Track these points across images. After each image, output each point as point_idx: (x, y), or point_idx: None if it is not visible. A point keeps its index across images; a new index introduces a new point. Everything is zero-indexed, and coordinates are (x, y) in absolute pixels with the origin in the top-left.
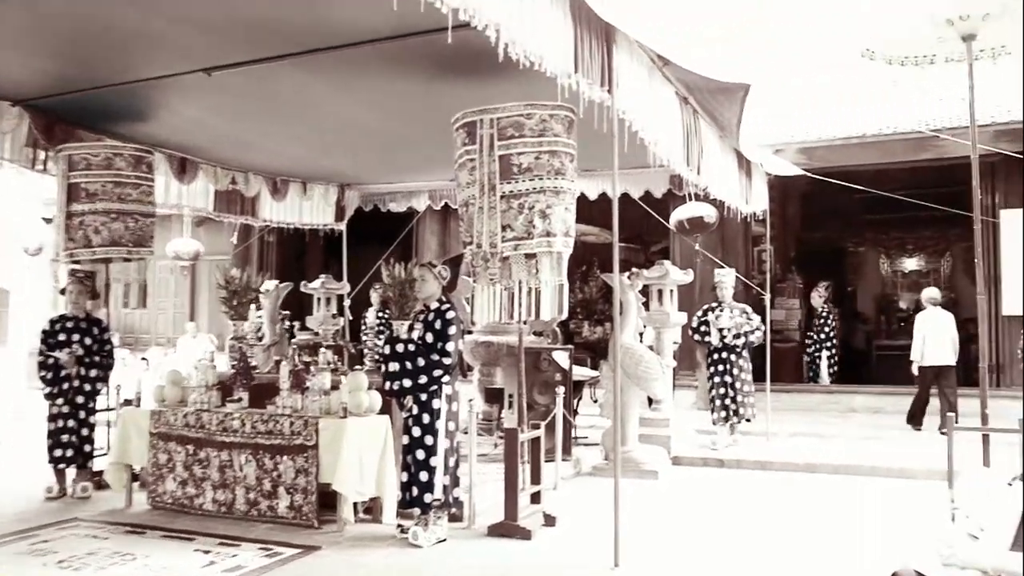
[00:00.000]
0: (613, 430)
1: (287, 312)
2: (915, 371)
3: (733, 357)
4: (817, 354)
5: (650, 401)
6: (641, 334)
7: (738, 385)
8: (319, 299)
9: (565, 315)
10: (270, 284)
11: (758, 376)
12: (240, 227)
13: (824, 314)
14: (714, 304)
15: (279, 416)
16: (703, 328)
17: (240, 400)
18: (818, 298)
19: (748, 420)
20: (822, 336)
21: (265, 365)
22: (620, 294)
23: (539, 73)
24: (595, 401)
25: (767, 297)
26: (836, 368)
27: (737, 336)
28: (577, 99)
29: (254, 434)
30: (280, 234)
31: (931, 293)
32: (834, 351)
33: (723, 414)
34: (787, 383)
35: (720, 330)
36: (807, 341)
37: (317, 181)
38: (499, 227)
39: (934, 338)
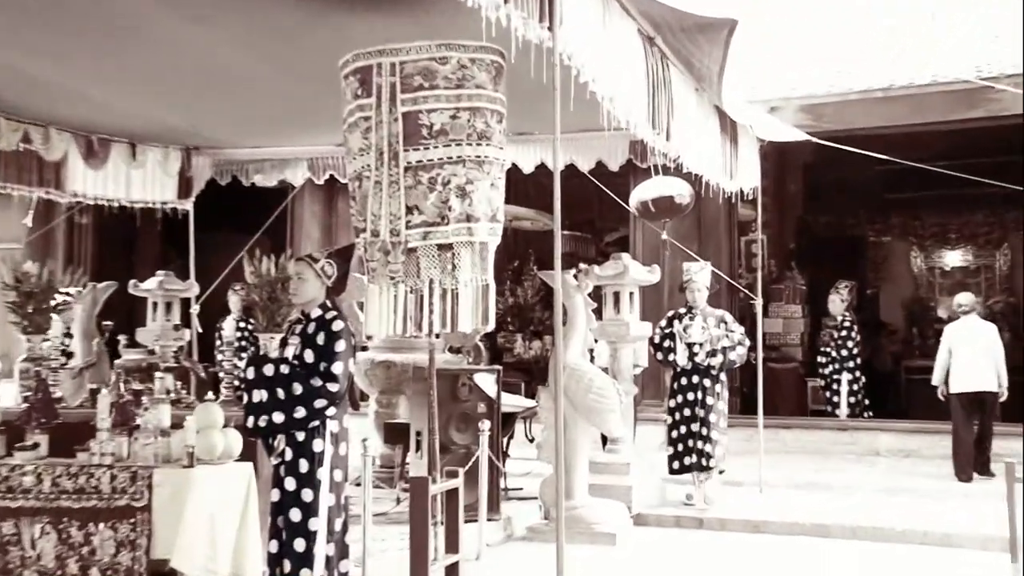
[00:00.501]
0: (556, 479)
1: (109, 323)
2: (943, 398)
3: (706, 382)
4: (835, 376)
5: (604, 440)
6: (592, 351)
7: (711, 419)
8: (155, 304)
9: (491, 326)
10: (83, 285)
11: (743, 408)
12: (38, 203)
13: (845, 324)
14: (683, 311)
15: (94, 468)
16: (667, 343)
17: (36, 447)
18: (839, 302)
19: (720, 471)
20: (843, 353)
21: (75, 397)
22: (564, 298)
23: (457, 2)
24: (531, 440)
25: (758, 302)
26: (861, 395)
27: (712, 354)
28: (507, 38)
29: (55, 494)
30: (98, 214)
31: (963, 299)
32: (857, 373)
33: (684, 461)
34: (786, 416)
35: (689, 346)
36: (820, 359)
37: (152, 142)
38: (403, 209)
39: (968, 357)
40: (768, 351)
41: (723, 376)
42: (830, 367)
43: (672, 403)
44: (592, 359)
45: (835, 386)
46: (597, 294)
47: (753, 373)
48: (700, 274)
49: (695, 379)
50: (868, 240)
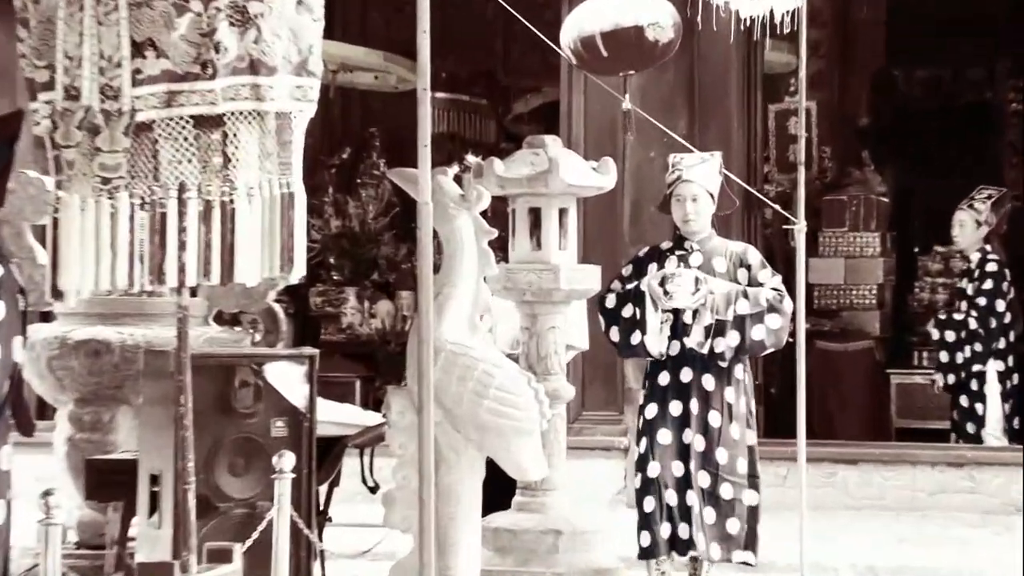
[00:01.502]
0: (419, 563)
1: None
2: None
3: (708, 382)
4: (965, 367)
5: (510, 487)
6: (489, 323)
7: (719, 458)
8: None
9: (299, 274)
10: None
11: (770, 425)
12: None
13: (988, 270)
14: (665, 245)
15: None
16: (627, 310)
17: None
18: (972, 225)
19: (747, 563)
20: (982, 324)
21: None
22: (438, 222)
23: None
24: (373, 489)
25: (799, 227)
26: (1012, 405)
27: (718, 329)
28: None
29: None
30: None
31: None
32: (1010, 361)
33: (663, 531)
34: (849, 439)
35: (674, 315)
36: (932, 333)
37: None
38: (125, 46)
39: None
40: (817, 319)
41: (741, 371)
42: (955, 349)
43: (641, 420)
44: (490, 336)
45: (967, 385)
46: (500, 214)
47: (787, 361)
48: (699, 170)
49: (686, 376)
50: (1009, 111)
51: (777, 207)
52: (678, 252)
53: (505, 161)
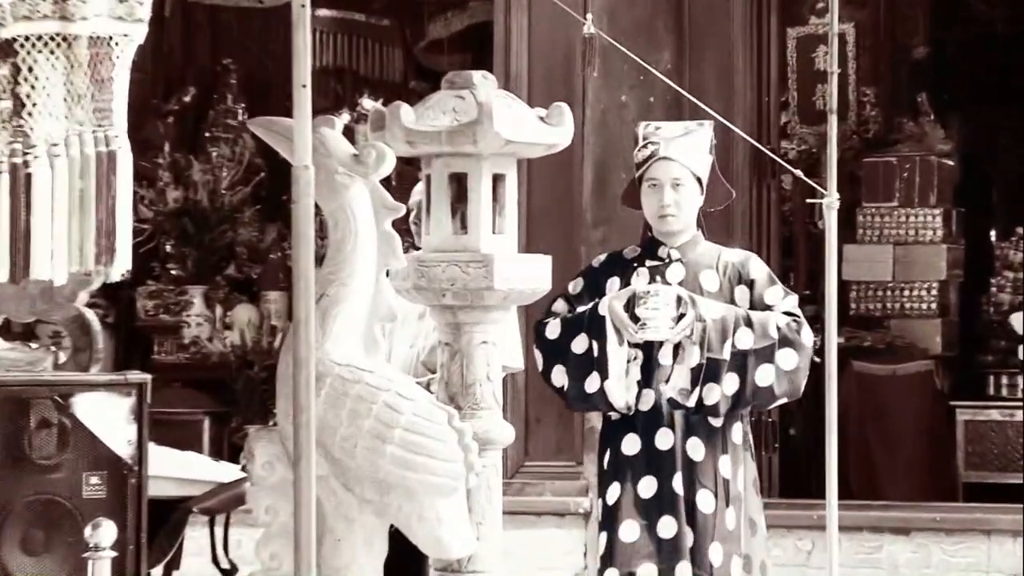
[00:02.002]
0: None
1: None
2: None
3: (696, 450)
4: None
5: (422, 568)
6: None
7: (711, 558)
8: None
9: (122, 268)
10: None
11: (787, 483)
12: None
13: None
14: (629, 252)
15: None
16: (577, 342)
17: None
18: None
19: None
20: None
21: None
22: (321, 196)
23: None
24: (227, 572)
25: (830, 200)
26: None
27: (711, 373)
28: None
29: None
30: None
31: None
32: None
33: None
34: (899, 499)
35: (642, 353)
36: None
37: None
38: None
39: None
40: (854, 331)
41: (739, 431)
42: None
43: (601, 504)
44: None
45: None
46: (410, 182)
47: (812, 391)
48: (682, 144)
49: (664, 441)
50: None
51: (799, 173)
52: (651, 262)
53: (416, 107)
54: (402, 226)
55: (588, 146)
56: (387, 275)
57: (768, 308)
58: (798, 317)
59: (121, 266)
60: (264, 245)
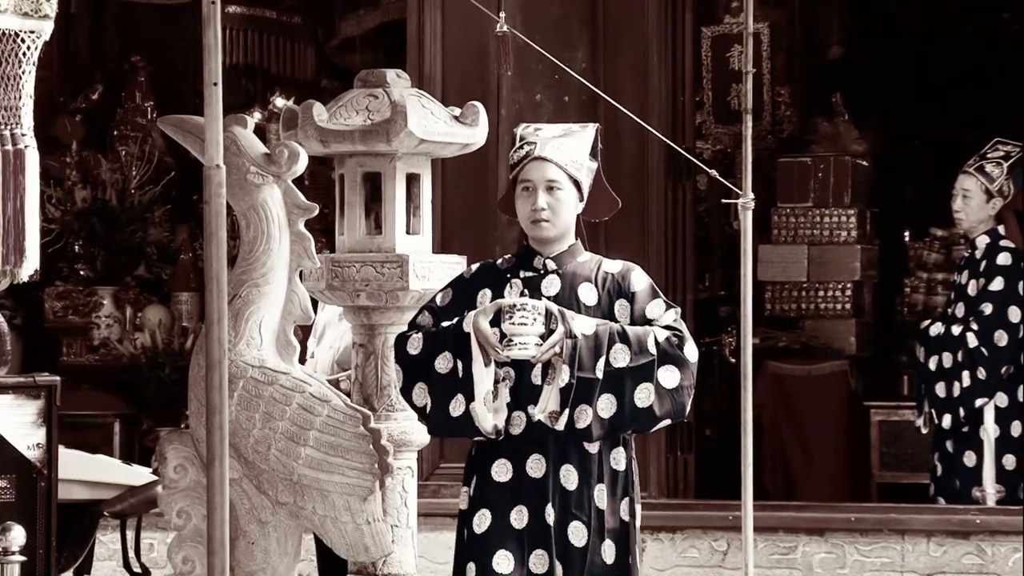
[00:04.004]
0: None
1: None
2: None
3: (570, 478)
4: (969, 401)
5: (339, 572)
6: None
7: None
8: None
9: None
10: None
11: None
12: None
13: (1003, 264)
14: (503, 262)
15: None
16: (450, 359)
17: None
18: (980, 197)
19: None
20: (998, 342)
21: None
22: (233, 195)
23: None
24: None
25: (745, 201)
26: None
27: (584, 394)
28: None
29: None
30: None
31: None
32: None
33: None
34: (824, 500)
35: (512, 372)
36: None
37: None
38: None
39: None
40: (769, 331)
41: (622, 457)
42: (952, 376)
43: (466, 535)
44: (304, 355)
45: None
46: (323, 182)
47: (728, 391)
48: (560, 145)
49: (536, 468)
50: None
51: (714, 173)
52: (525, 273)
53: (328, 106)
54: (315, 226)
55: (503, 145)
56: (300, 276)
57: (649, 322)
58: (680, 331)
59: (30, 267)
60: (175, 245)
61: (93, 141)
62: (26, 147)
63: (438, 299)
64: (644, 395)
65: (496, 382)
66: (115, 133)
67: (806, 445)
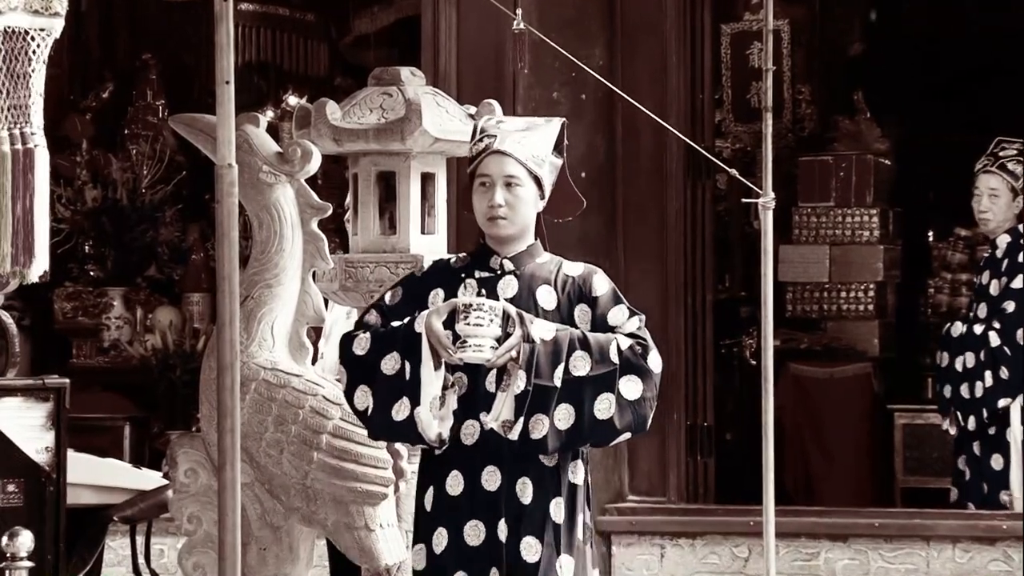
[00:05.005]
0: None
1: None
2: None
3: (525, 492)
4: (992, 402)
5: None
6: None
7: None
8: None
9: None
10: None
11: (739, 489)
12: None
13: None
14: (456, 259)
15: None
16: (398, 360)
17: None
18: (1007, 196)
19: None
20: (1020, 342)
21: None
22: (247, 196)
23: None
24: None
25: (765, 201)
26: None
27: (540, 403)
28: None
29: None
30: None
31: None
32: None
33: None
34: (847, 505)
35: (464, 377)
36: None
37: None
38: None
39: None
40: (790, 333)
41: (580, 470)
42: (974, 377)
43: (423, 553)
44: (315, 357)
45: (983, 424)
46: (337, 181)
47: (748, 394)
48: (520, 139)
49: (491, 480)
50: None
51: (734, 172)
52: (480, 273)
53: (342, 104)
54: (329, 226)
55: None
56: (313, 277)
57: (611, 329)
58: (644, 340)
59: (39, 267)
60: (186, 245)
61: (103, 140)
62: (36, 146)
63: (387, 298)
64: (604, 406)
65: (445, 388)
66: (126, 132)
67: (828, 449)
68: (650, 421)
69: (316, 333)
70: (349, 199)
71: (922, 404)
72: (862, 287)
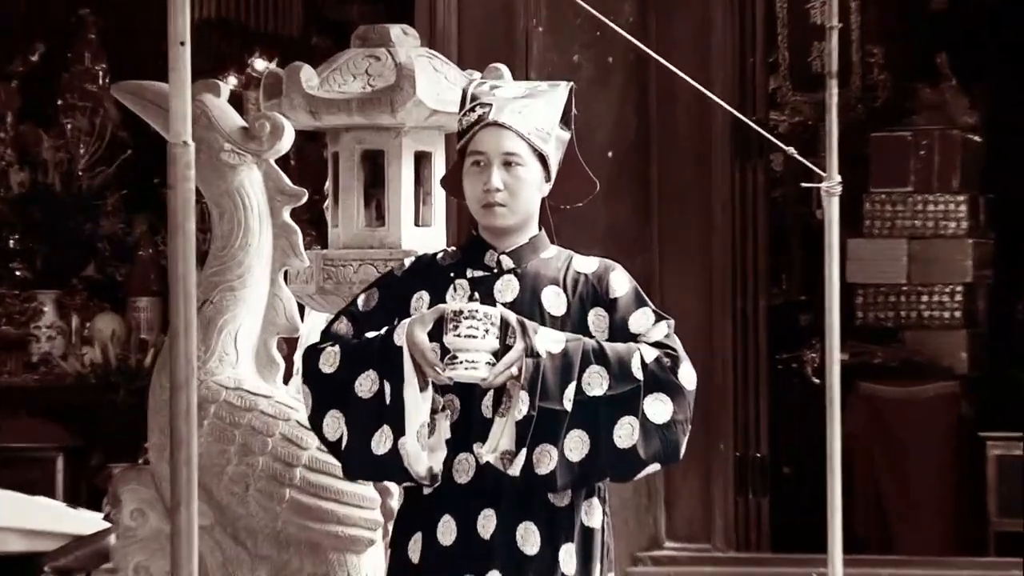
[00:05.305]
0: None
1: None
2: None
3: (529, 539)
4: None
5: None
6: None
7: None
8: None
9: None
10: None
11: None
12: None
13: None
14: (448, 259)
15: None
16: (375, 379)
17: None
18: None
19: None
20: None
21: None
22: (205, 173)
23: None
24: None
25: (830, 186)
26: None
27: (547, 430)
28: None
29: None
30: None
31: None
32: None
33: None
34: (929, 553)
35: (456, 400)
36: None
37: None
38: None
39: None
40: (861, 345)
41: (596, 511)
42: None
43: None
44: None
45: None
46: (313, 162)
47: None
48: (520, 108)
49: (486, 525)
50: None
51: (791, 151)
52: (473, 272)
53: (320, 69)
54: (303, 217)
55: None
56: (285, 278)
57: (634, 338)
58: (674, 350)
59: None
60: (132, 240)
61: (32, 112)
62: None
63: (360, 302)
64: (626, 432)
65: (434, 412)
66: (59, 103)
67: (907, 485)
68: (683, 449)
69: (289, 345)
70: (328, 184)
71: (1021, 431)
72: (947, 290)
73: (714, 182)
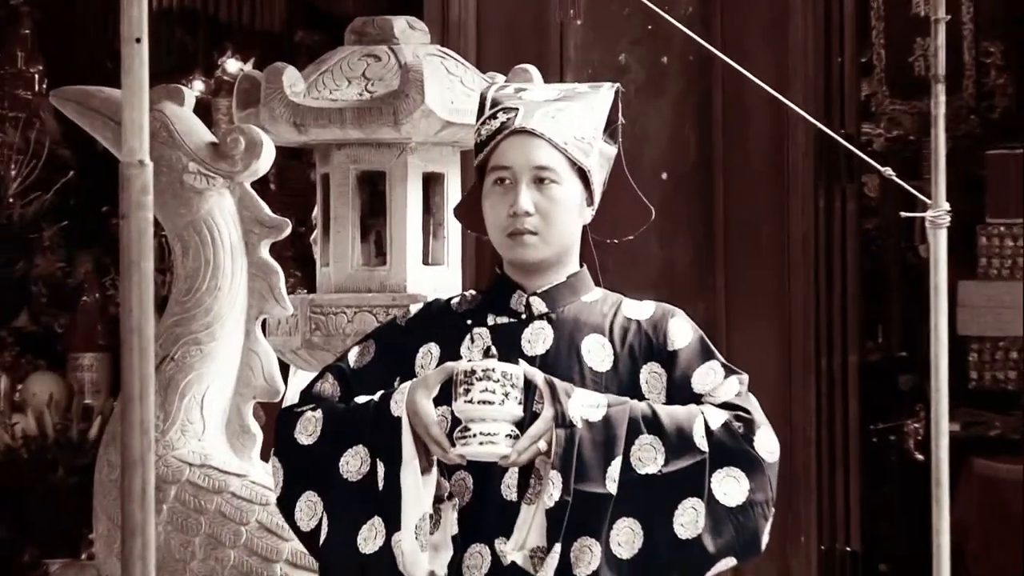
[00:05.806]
0: None
1: None
2: None
3: None
4: None
5: None
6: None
7: None
8: None
9: None
10: None
11: None
12: None
13: None
14: (465, 303)
15: None
16: (365, 457)
17: None
18: None
19: None
20: None
21: None
22: (167, 200)
23: None
24: None
25: (935, 214)
26: None
27: (585, 520)
28: None
29: None
30: None
31: None
32: None
33: None
34: None
35: (470, 480)
36: None
37: None
38: None
39: None
40: (975, 413)
41: None
42: None
43: None
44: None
45: None
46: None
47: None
48: (553, 113)
49: None
50: None
51: (888, 171)
52: (496, 318)
53: (306, 72)
54: (286, 253)
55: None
56: (263, 328)
57: (698, 399)
58: (748, 412)
59: None
60: (74, 282)
61: None
62: None
63: (352, 357)
64: (689, 519)
65: (439, 501)
66: None
67: None
68: (765, 538)
69: (268, 412)
70: (317, 212)
71: None
72: None
73: (792, 211)
